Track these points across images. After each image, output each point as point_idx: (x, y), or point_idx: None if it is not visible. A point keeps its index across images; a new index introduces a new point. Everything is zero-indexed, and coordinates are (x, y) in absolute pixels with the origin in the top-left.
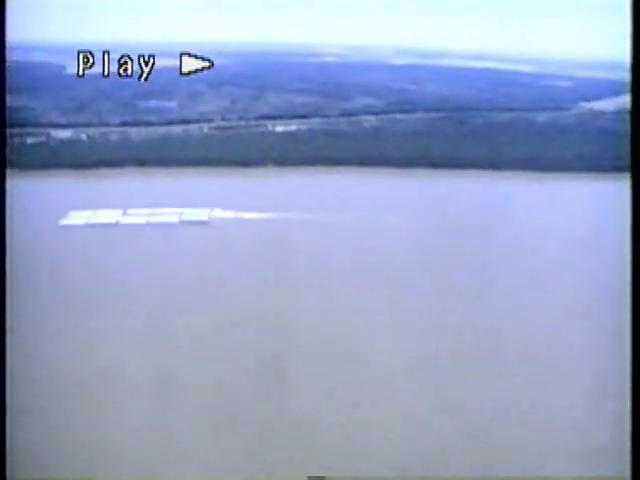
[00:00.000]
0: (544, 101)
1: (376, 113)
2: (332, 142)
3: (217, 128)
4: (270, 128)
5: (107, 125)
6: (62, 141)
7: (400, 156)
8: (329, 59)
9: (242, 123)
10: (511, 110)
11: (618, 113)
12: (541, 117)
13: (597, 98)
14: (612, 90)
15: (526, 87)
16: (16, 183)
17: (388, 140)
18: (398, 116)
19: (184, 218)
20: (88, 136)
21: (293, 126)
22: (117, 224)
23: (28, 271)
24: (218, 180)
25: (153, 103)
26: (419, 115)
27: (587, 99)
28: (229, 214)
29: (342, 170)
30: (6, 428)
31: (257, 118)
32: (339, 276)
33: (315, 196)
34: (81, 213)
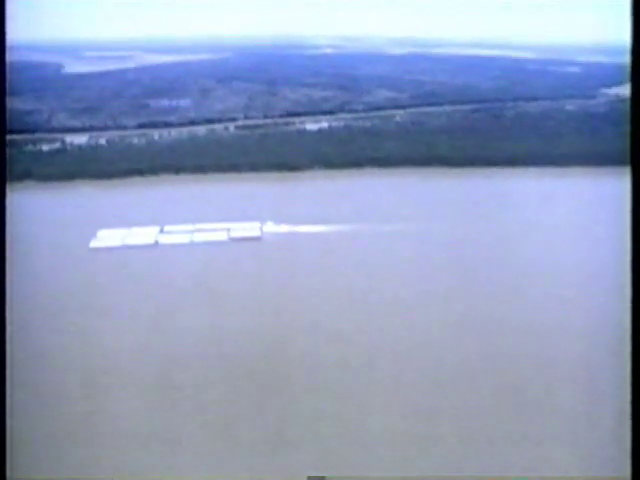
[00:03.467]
0: (564, 88)
1: (402, 107)
2: (373, 141)
3: (244, 127)
4: (299, 125)
5: (124, 128)
6: (81, 147)
7: (454, 155)
8: (328, 51)
9: (269, 121)
10: (536, 99)
11: None
12: (570, 106)
13: (616, 84)
14: (625, 73)
15: (538, 74)
16: (35, 197)
17: (434, 137)
18: (426, 109)
19: (234, 235)
20: (108, 141)
21: (324, 123)
22: (156, 245)
23: (55, 300)
24: (264, 187)
25: (165, 102)
26: (447, 108)
27: (607, 85)
28: (283, 228)
29: (395, 172)
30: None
31: (282, 115)
32: (421, 297)
33: (372, 203)
34: (112, 232)
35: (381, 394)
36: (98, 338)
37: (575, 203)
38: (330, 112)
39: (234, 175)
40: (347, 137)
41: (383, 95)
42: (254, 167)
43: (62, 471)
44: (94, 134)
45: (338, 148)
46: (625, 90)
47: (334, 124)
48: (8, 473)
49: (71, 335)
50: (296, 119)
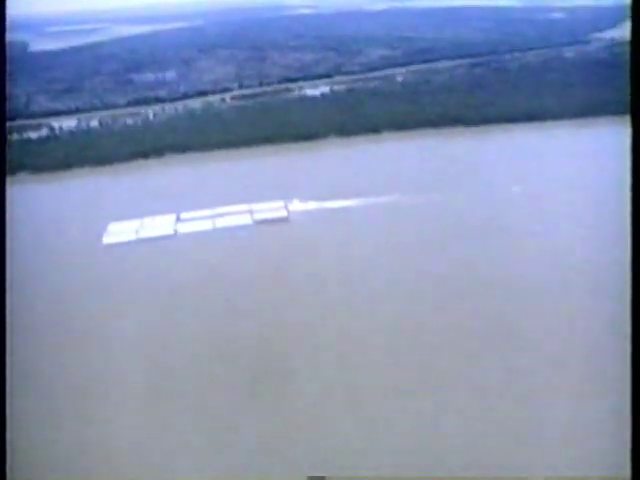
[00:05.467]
0: (556, 36)
1: (399, 65)
2: (384, 103)
3: (241, 97)
4: (299, 92)
5: (113, 107)
6: (72, 132)
7: (469, 114)
8: (304, 11)
9: (267, 89)
10: (532, 49)
11: None
12: (568, 53)
13: (607, 27)
14: (612, 16)
15: (526, 23)
16: (32, 191)
17: (444, 96)
18: (424, 67)
19: (258, 217)
20: (100, 123)
21: (325, 87)
22: (175, 235)
23: (70, 303)
24: (281, 160)
25: (149, 75)
26: (446, 64)
27: (598, 29)
28: (310, 205)
29: (414, 135)
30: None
31: (279, 82)
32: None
33: (398, 170)
34: (125, 225)
35: (382, 393)
36: (108, 341)
37: (596, 154)
38: (327, 75)
39: (246, 150)
40: (355, 101)
41: (376, 54)
42: (266, 140)
43: (62, 473)
44: (82, 116)
45: (350, 114)
46: (618, 33)
47: (335, 88)
48: (8, 474)
49: (77, 337)
50: (294, 85)
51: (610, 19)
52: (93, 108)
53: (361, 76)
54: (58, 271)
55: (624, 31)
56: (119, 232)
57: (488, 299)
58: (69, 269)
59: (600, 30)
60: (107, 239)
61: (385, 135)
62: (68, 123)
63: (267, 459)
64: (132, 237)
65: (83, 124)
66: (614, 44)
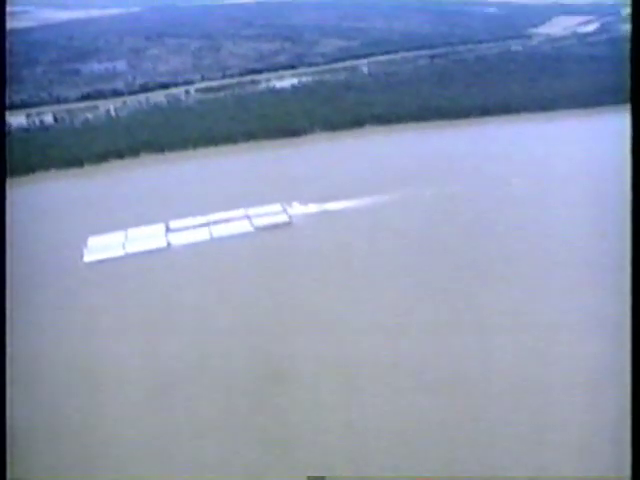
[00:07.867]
0: (498, 29)
1: (359, 56)
2: (361, 96)
3: (207, 90)
4: (267, 84)
5: (65, 101)
6: (27, 130)
7: (448, 106)
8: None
9: (232, 81)
10: (481, 42)
11: (576, 37)
12: (516, 46)
13: (539, 23)
14: (542, 13)
15: (468, 17)
16: None
17: (417, 88)
18: (383, 58)
19: (258, 223)
20: (56, 119)
21: (293, 79)
22: (169, 248)
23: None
24: (269, 159)
25: (97, 66)
26: (405, 55)
27: (533, 25)
28: (312, 208)
29: (398, 129)
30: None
31: (243, 73)
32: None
33: (393, 167)
34: (107, 238)
35: (382, 394)
36: (101, 348)
37: (577, 143)
38: (291, 66)
39: (229, 147)
40: (329, 94)
41: (334, 45)
42: (248, 135)
43: (62, 473)
44: (31, 111)
45: (329, 107)
46: (551, 29)
47: (303, 80)
48: (8, 474)
49: (72, 340)
50: (259, 77)
51: (540, 16)
52: (42, 102)
53: (326, 67)
54: (31, 298)
55: (554, 27)
56: (102, 247)
57: (490, 295)
58: (43, 295)
59: (535, 26)
60: (89, 256)
61: (370, 128)
62: (17, 120)
63: (267, 459)
64: (119, 252)
65: (35, 120)
66: (552, 39)
